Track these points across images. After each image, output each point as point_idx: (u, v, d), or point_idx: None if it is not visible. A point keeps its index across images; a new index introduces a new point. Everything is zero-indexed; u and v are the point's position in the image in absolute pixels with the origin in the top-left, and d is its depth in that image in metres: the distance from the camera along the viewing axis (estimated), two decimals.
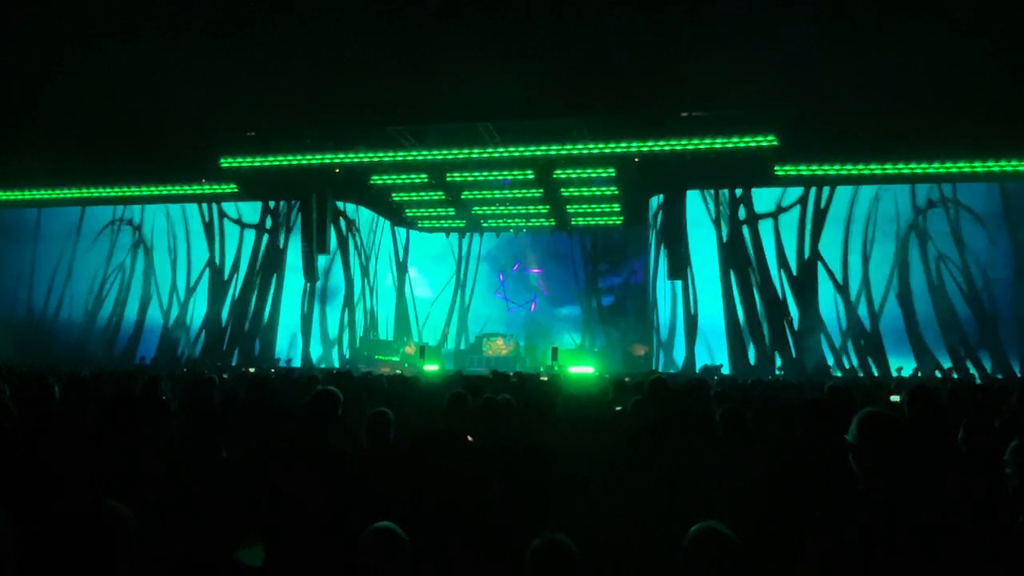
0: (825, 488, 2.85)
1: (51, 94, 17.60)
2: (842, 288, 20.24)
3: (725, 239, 21.00)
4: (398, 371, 18.70)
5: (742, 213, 20.95)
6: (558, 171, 20.77)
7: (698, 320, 20.98)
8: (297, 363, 22.05)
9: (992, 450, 3.05)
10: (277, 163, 21.16)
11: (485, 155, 20.19)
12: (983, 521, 2.50)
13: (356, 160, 20.96)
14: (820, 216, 20.56)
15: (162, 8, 16.10)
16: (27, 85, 17.54)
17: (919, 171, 19.09)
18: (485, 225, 26.09)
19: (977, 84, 15.60)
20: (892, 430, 2.61)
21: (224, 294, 23.49)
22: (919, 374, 18.60)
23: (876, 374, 19.01)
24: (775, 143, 18.28)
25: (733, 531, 2.42)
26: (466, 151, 20.20)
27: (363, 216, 24.89)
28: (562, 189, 22.20)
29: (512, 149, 19.93)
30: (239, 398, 6.06)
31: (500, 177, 21.49)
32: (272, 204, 23.51)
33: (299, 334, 23.00)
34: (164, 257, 24.08)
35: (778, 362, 19.84)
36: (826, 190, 20.52)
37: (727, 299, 20.81)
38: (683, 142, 18.70)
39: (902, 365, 19.33)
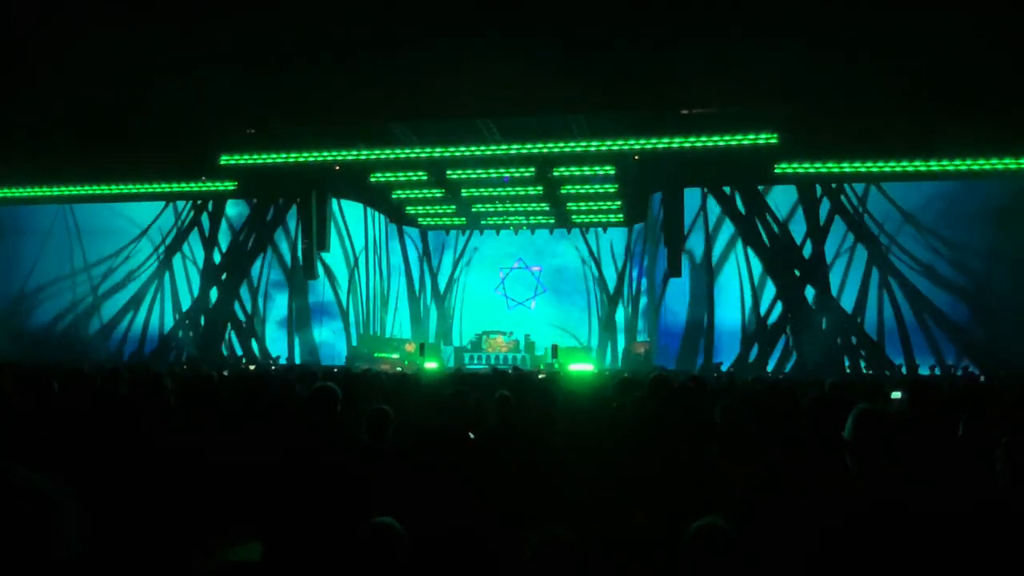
0: (822, 484, 2.85)
1: (46, 90, 17.56)
2: (836, 288, 20.28)
3: (727, 238, 21.00)
4: (398, 368, 18.70)
5: (743, 211, 20.94)
6: (558, 168, 20.76)
7: (698, 318, 20.98)
8: (297, 360, 22.07)
9: (990, 445, 3.06)
10: (277, 160, 21.16)
11: (485, 152, 20.17)
12: (978, 514, 2.51)
13: (356, 157, 20.95)
14: (818, 216, 20.53)
15: (162, 4, 16.08)
16: (21, 80, 17.50)
17: (918, 169, 19.04)
18: (485, 223, 26.10)
19: (980, 81, 15.57)
20: (887, 427, 2.62)
21: (222, 291, 23.51)
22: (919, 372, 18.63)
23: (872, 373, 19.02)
24: (775, 141, 18.26)
25: (732, 526, 2.42)
26: (466, 148, 20.18)
27: (363, 213, 24.88)
28: (562, 187, 22.20)
29: (512, 146, 19.91)
30: (240, 395, 6.07)
31: (500, 175, 21.49)
32: (273, 201, 23.53)
33: (299, 332, 23.02)
34: (160, 255, 24.05)
35: (773, 361, 19.89)
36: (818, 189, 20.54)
37: (728, 298, 20.84)
38: (686, 139, 18.68)
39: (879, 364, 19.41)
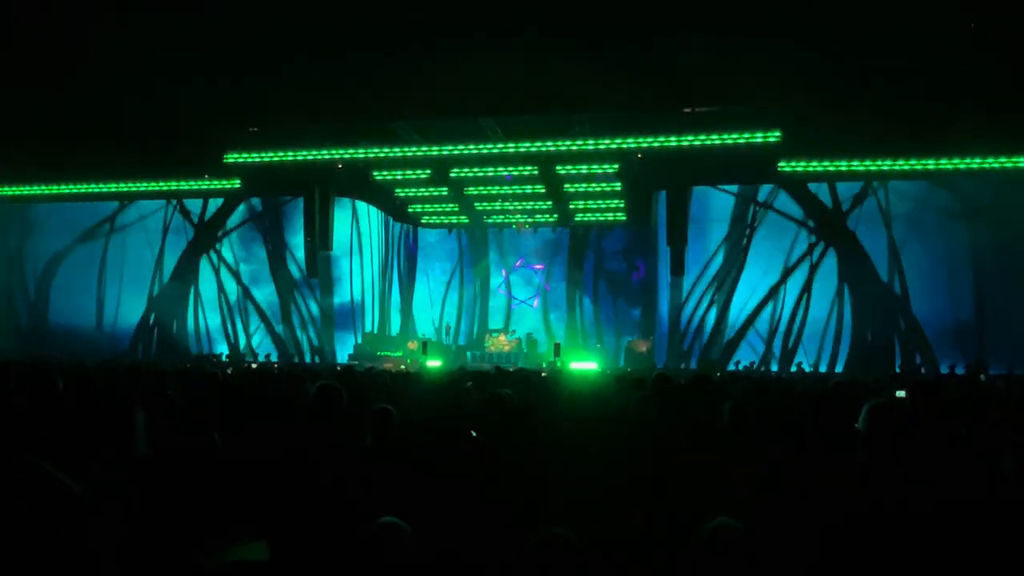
0: (826, 483, 2.85)
1: (48, 89, 17.58)
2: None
3: (727, 236, 21.02)
4: (401, 367, 18.72)
5: (740, 209, 20.98)
6: (561, 167, 20.74)
7: (703, 316, 20.99)
8: (299, 359, 22.13)
9: (993, 445, 3.06)
10: (281, 159, 21.16)
11: (488, 151, 20.15)
12: (985, 514, 2.50)
13: (358, 156, 20.95)
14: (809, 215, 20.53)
15: (166, 4, 16.11)
16: (23, 79, 17.52)
17: (921, 168, 18.95)
18: (488, 221, 26.04)
19: (989, 78, 15.50)
20: (900, 418, 2.66)
21: (221, 290, 23.61)
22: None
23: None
24: (779, 139, 18.22)
25: (742, 524, 2.42)
26: (468, 147, 20.17)
27: (365, 211, 24.92)
28: (565, 185, 22.17)
29: (515, 145, 19.89)
30: (242, 392, 6.08)
31: (502, 173, 21.46)
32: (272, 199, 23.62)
33: (300, 330, 23.07)
34: (160, 253, 24.09)
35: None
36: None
37: (735, 296, 20.88)
38: (688, 138, 18.64)
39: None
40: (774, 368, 19.66)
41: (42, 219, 24.84)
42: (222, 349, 23.35)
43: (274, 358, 22.25)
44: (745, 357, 20.46)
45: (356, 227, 24.43)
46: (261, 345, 23.30)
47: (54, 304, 24.61)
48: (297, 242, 23.01)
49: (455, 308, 27.42)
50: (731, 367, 19.50)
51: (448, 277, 27.73)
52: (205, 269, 23.91)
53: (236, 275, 23.75)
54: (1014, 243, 18.01)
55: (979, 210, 18.89)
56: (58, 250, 24.68)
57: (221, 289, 23.70)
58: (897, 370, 18.72)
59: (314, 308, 23.35)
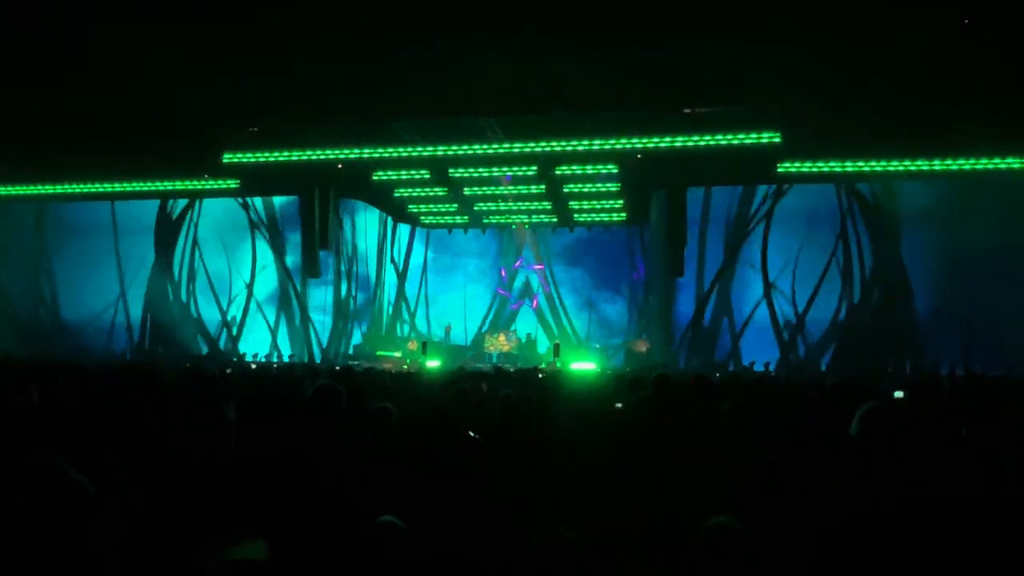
0: (825, 483, 2.85)
1: (47, 88, 17.56)
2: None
3: (727, 236, 21.04)
4: (403, 367, 18.71)
5: (740, 209, 21.02)
6: (561, 167, 20.72)
7: (701, 316, 21.01)
8: (299, 359, 22.12)
9: (994, 444, 3.05)
10: (279, 159, 21.13)
11: (488, 151, 20.14)
12: (986, 514, 2.50)
13: (358, 156, 20.92)
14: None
15: (166, 3, 16.11)
16: (23, 79, 17.50)
17: (917, 168, 18.93)
18: (487, 221, 26.02)
19: (983, 79, 15.51)
20: (894, 423, 2.63)
21: (222, 290, 23.62)
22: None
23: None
24: (779, 140, 18.21)
25: (742, 524, 2.42)
26: (468, 147, 20.15)
27: (365, 211, 24.92)
28: (564, 185, 22.16)
29: (514, 145, 19.87)
30: (240, 392, 6.08)
31: (502, 173, 21.44)
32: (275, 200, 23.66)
33: (299, 329, 23.07)
34: (159, 252, 24.10)
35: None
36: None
37: (736, 296, 20.92)
38: (688, 138, 18.64)
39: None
40: (774, 367, 19.67)
41: (48, 216, 24.87)
42: (226, 348, 23.37)
43: (271, 358, 22.26)
44: (745, 357, 20.46)
45: (353, 227, 24.46)
46: (268, 343, 23.32)
47: (63, 301, 24.61)
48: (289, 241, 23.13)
49: (455, 307, 27.39)
50: (730, 367, 19.50)
51: (448, 276, 27.71)
52: (208, 265, 23.93)
53: (230, 274, 23.75)
54: (1012, 242, 18.00)
55: (978, 210, 18.86)
56: (63, 247, 24.69)
57: (254, 280, 23.69)
58: (890, 369, 18.73)
59: (315, 307, 23.37)
